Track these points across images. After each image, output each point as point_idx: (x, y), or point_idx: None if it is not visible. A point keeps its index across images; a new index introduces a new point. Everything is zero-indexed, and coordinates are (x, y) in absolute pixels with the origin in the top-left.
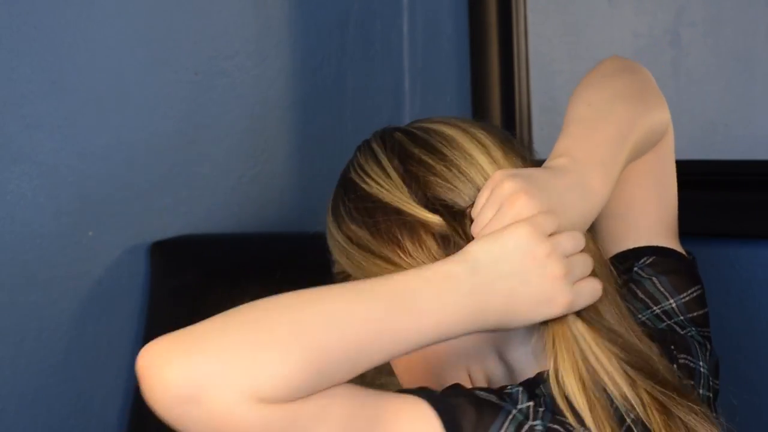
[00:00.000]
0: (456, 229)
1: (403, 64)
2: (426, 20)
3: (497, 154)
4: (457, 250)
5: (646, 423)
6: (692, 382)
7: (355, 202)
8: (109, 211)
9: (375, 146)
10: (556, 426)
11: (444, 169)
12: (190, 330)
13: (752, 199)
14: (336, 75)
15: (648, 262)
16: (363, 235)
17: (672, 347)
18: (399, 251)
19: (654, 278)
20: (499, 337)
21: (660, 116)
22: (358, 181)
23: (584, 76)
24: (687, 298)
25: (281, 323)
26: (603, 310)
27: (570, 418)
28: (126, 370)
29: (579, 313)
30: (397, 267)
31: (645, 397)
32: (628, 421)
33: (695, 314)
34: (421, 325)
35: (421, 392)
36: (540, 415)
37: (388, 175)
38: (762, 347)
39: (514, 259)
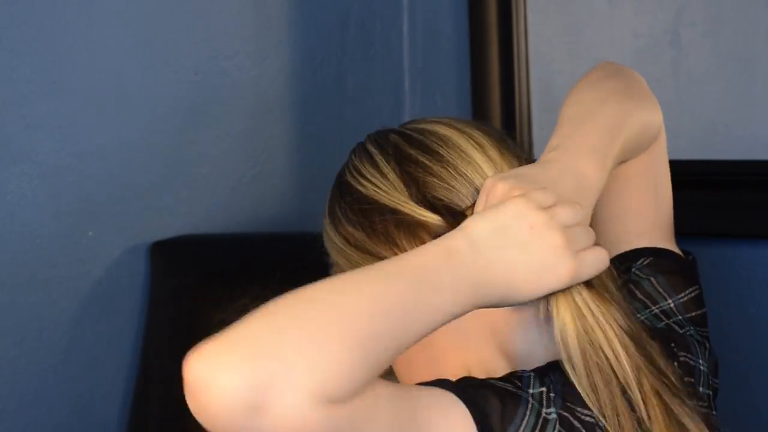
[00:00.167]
0: (453, 227)
1: (403, 64)
2: (426, 20)
3: (493, 153)
4: None
5: (642, 410)
6: (692, 380)
7: (350, 204)
8: (109, 211)
9: (370, 148)
10: (565, 414)
11: (441, 169)
12: (237, 332)
13: (752, 199)
14: (336, 75)
15: (646, 262)
16: (359, 236)
17: (672, 345)
18: (396, 250)
19: (652, 278)
20: (498, 330)
21: (652, 116)
22: (353, 183)
23: (578, 82)
24: (685, 298)
25: (331, 318)
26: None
27: (585, 392)
28: (126, 370)
29: (586, 284)
30: None
31: (645, 383)
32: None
33: (694, 314)
34: (444, 301)
35: (443, 383)
36: (552, 401)
37: (385, 176)
38: (762, 347)
39: (512, 230)
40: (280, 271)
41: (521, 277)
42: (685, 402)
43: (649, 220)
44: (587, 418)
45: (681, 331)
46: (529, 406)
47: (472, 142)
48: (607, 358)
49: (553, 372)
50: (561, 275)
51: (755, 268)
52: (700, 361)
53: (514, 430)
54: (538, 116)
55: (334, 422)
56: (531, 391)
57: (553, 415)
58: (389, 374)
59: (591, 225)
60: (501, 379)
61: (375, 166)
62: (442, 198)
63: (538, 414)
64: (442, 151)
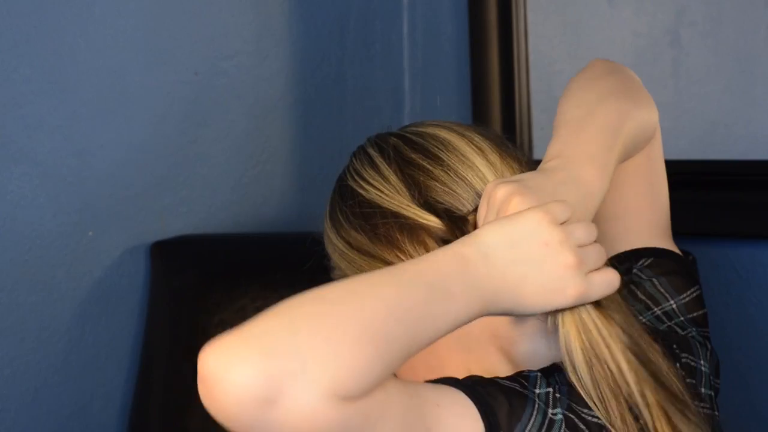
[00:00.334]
0: (457, 234)
1: (403, 64)
2: (426, 20)
3: (494, 157)
4: None
5: (648, 421)
6: (693, 381)
7: (352, 207)
8: (109, 211)
9: (371, 151)
10: (571, 415)
11: (442, 173)
12: (252, 328)
13: (752, 199)
14: (336, 75)
15: (646, 263)
16: (362, 239)
17: (674, 347)
18: (398, 253)
19: (654, 279)
20: (500, 333)
21: (649, 115)
22: (355, 187)
23: (571, 79)
24: (687, 299)
25: (348, 316)
26: (612, 308)
27: (591, 400)
28: (126, 370)
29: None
30: None
31: (649, 396)
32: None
33: (695, 314)
34: (455, 308)
35: (450, 381)
36: (558, 402)
37: (387, 180)
38: (762, 347)
39: (527, 245)
40: (280, 271)
41: (530, 291)
42: (688, 416)
43: (646, 218)
44: (593, 419)
45: (683, 333)
46: (536, 406)
47: (472, 146)
48: (612, 372)
49: (558, 373)
50: (569, 295)
51: (755, 268)
52: (702, 362)
53: (522, 428)
54: (538, 116)
55: (346, 419)
56: (537, 391)
57: (559, 416)
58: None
59: None
60: (508, 378)
61: (376, 169)
62: (443, 202)
63: (545, 414)
64: (442, 155)
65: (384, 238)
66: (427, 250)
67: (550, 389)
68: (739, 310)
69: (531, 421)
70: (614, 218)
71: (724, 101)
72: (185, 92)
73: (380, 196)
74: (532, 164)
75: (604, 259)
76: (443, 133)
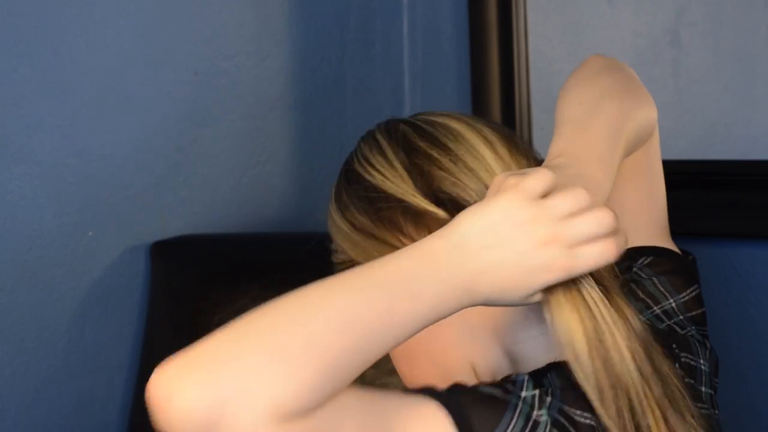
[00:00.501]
0: None
1: (403, 64)
2: (426, 20)
3: (502, 150)
4: None
5: (647, 417)
6: (692, 381)
7: (357, 191)
8: (109, 211)
9: (379, 137)
10: (560, 417)
11: (450, 163)
12: (197, 349)
13: (752, 199)
14: (336, 75)
15: (646, 262)
16: (365, 222)
17: (673, 346)
18: (401, 237)
19: (654, 278)
20: (502, 328)
21: (649, 113)
22: (361, 171)
23: (570, 76)
24: (686, 298)
25: (293, 333)
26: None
27: (589, 393)
28: (126, 370)
29: (598, 284)
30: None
31: (649, 393)
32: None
33: (694, 313)
34: (420, 307)
35: (427, 391)
36: (546, 404)
37: (393, 167)
38: (762, 347)
39: (500, 228)
40: (280, 271)
41: (509, 275)
42: (686, 419)
43: (644, 216)
44: (585, 421)
45: (682, 332)
46: (518, 410)
47: (482, 138)
48: (614, 363)
49: (553, 373)
50: (552, 270)
51: (755, 268)
52: (702, 361)
53: None
54: (538, 116)
55: None
56: (523, 394)
57: (544, 417)
58: (391, 376)
59: None
60: (492, 384)
61: (383, 155)
62: (449, 192)
63: (528, 417)
64: (451, 145)
65: (387, 221)
66: (427, 234)
67: (536, 391)
68: (739, 310)
69: (510, 426)
70: None
71: (724, 101)
72: (185, 92)
73: (385, 182)
74: (540, 160)
75: (603, 225)
76: (453, 124)
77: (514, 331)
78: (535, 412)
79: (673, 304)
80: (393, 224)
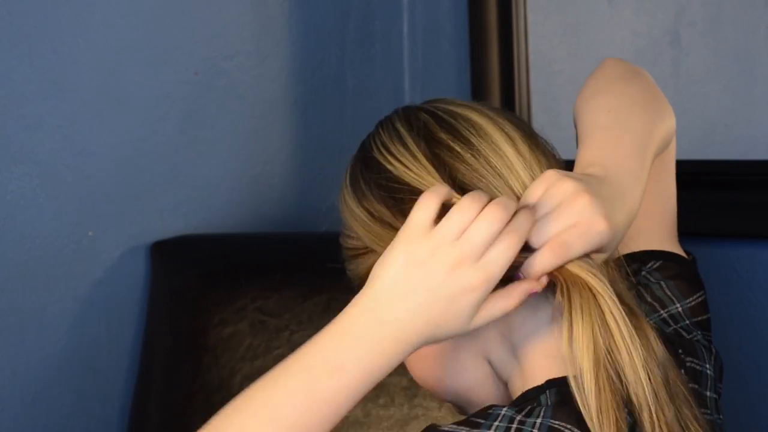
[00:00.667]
0: None
1: (403, 64)
2: (426, 20)
3: (524, 147)
4: None
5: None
6: (697, 386)
7: (377, 180)
8: (109, 211)
9: (399, 127)
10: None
11: (471, 158)
12: None
13: (752, 199)
14: (336, 75)
15: (655, 266)
16: (384, 212)
17: (680, 350)
18: None
19: (662, 282)
20: (506, 330)
21: (670, 122)
22: (381, 160)
23: (590, 80)
24: (693, 303)
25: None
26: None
27: (584, 412)
28: (126, 370)
29: (620, 298)
30: None
31: (661, 416)
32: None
33: (700, 318)
34: (349, 379)
35: None
36: (529, 425)
37: (416, 158)
38: (762, 347)
39: (407, 274)
40: (280, 271)
41: (434, 314)
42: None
43: (656, 220)
44: None
45: (688, 337)
46: None
47: (503, 134)
48: (625, 383)
49: (552, 390)
50: (473, 289)
51: (755, 268)
52: (707, 366)
53: None
54: (538, 116)
55: None
56: (495, 424)
57: (528, 427)
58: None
59: None
60: (462, 422)
61: (405, 146)
62: (472, 186)
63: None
64: (473, 140)
65: (407, 213)
66: None
67: (517, 416)
68: (739, 310)
69: None
70: None
71: (724, 101)
72: (185, 92)
73: (408, 174)
74: (560, 159)
75: (496, 221)
76: (475, 116)
77: (519, 335)
78: (515, 425)
79: (680, 309)
80: None
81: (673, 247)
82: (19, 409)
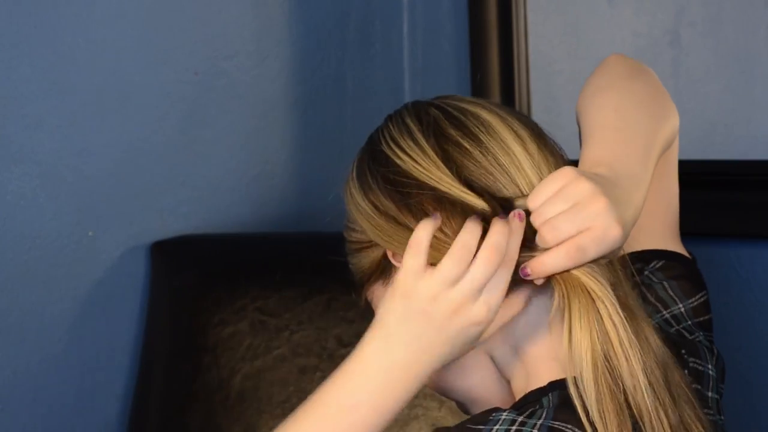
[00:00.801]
0: (496, 210)
1: (403, 64)
2: (426, 20)
3: (532, 147)
4: None
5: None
6: (699, 387)
7: (385, 174)
8: (109, 211)
9: (409, 121)
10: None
11: (480, 154)
12: None
13: (752, 199)
14: (336, 75)
15: (658, 266)
16: (391, 206)
17: (682, 351)
18: None
19: (665, 282)
20: (509, 329)
21: (675, 122)
22: (390, 154)
23: (594, 76)
24: (695, 303)
25: None
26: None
27: (587, 424)
28: (126, 370)
29: (621, 303)
30: None
31: (664, 420)
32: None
33: (702, 319)
34: (366, 416)
35: None
36: (537, 416)
37: (425, 153)
38: (762, 347)
39: (409, 321)
40: (280, 271)
41: (444, 348)
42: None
43: (659, 220)
44: None
45: (690, 338)
46: None
47: (512, 132)
48: (624, 389)
49: (555, 393)
50: (476, 324)
51: (755, 268)
52: (709, 366)
53: None
54: (538, 116)
55: None
56: (497, 427)
57: (527, 428)
58: None
59: None
60: (456, 427)
61: (414, 140)
62: (481, 183)
63: None
64: (482, 137)
65: (415, 209)
66: (459, 226)
67: (519, 418)
68: (739, 310)
69: None
70: None
71: (724, 101)
72: (185, 92)
73: (417, 168)
74: (567, 158)
75: (491, 265)
76: (484, 114)
77: (525, 337)
78: (515, 427)
79: (682, 309)
80: (421, 212)
81: (676, 246)
82: (19, 409)
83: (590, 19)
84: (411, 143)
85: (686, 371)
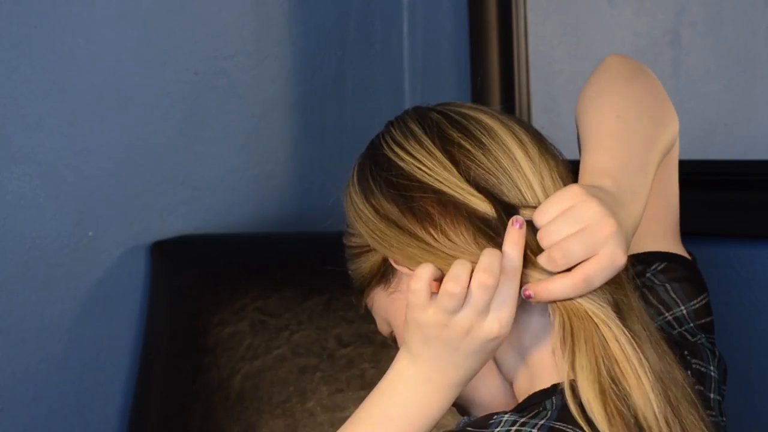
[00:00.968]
0: (500, 217)
1: (403, 64)
2: (426, 20)
3: (533, 151)
4: (499, 238)
5: None
6: (702, 388)
7: (387, 177)
8: (109, 211)
9: (412, 125)
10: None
11: (483, 157)
12: None
13: (752, 199)
14: (336, 75)
15: (660, 268)
16: (393, 210)
17: (685, 352)
18: (431, 229)
19: (667, 285)
20: (513, 330)
21: (674, 128)
22: (393, 157)
23: (594, 77)
24: (697, 306)
25: None
26: (628, 313)
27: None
28: (126, 370)
29: (617, 312)
30: (425, 244)
31: (672, 421)
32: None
33: (704, 321)
34: (403, 428)
35: None
36: (540, 417)
37: (432, 154)
38: (762, 347)
39: (428, 345)
40: (280, 271)
41: (470, 363)
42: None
43: (660, 222)
44: None
45: (693, 340)
46: None
47: (513, 136)
48: (632, 408)
49: (558, 395)
50: (493, 338)
51: (755, 268)
52: (711, 368)
53: None
54: (538, 116)
55: None
56: (497, 430)
57: (527, 428)
58: None
59: None
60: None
61: (419, 143)
62: (485, 184)
63: None
64: (484, 140)
65: (419, 212)
66: (462, 228)
67: (520, 419)
68: (739, 310)
69: None
70: None
71: (724, 101)
72: (185, 92)
73: (421, 170)
74: (568, 163)
75: (488, 288)
76: (486, 119)
77: (528, 340)
78: (515, 427)
79: (684, 312)
80: (425, 216)
81: (676, 247)
82: (19, 409)
83: (590, 19)
84: (416, 145)
85: (689, 372)
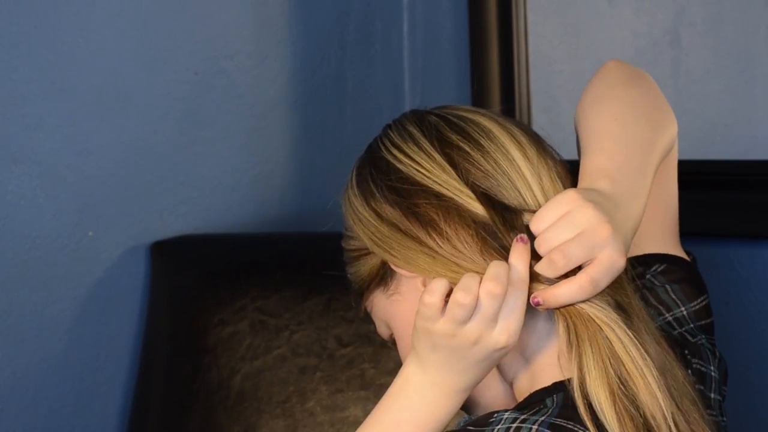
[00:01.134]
0: (498, 222)
1: (403, 64)
2: (426, 20)
3: (531, 153)
4: (498, 244)
5: None
6: (702, 387)
7: (388, 181)
8: (109, 211)
9: (411, 128)
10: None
11: (482, 159)
12: None
13: (752, 199)
14: (336, 75)
15: (660, 270)
16: (394, 214)
17: (686, 352)
18: (432, 233)
19: (666, 286)
20: (520, 341)
21: (673, 132)
22: (392, 161)
23: (592, 83)
24: (697, 306)
25: None
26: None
27: (590, 427)
28: (126, 370)
29: (620, 312)
30: (428, 248)
31: (680, 420)
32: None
33: (704, 322)
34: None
35: None
36: (540, 414)
37: (431, 157)
38: (762, 347)
39: (437, 353)
40: (280, 271)
41: (474, 369)
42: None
43: (659, 224)
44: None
45: (693, 340)
46: None
47: (512, 138)
48: (641, 408)
49: (560, 394)
50: (501, 347)
51: (755, 268)
52: (712, 368)
53: None
54: (538, 116)
55: None
56: (497, 427)
57: (528, 425)
58: (389, 376)
59: None
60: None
61: (418, 145)
62: (482, 187)
63: None
64: (483, 143)
65: (421, 216)
66: (463, 232)
67: (512, 425)
68: (739, 310)
69: None
70: None
71: (724, 101)
72: (185, 92)
73: (421, 173)
74: (566, 164)
75: (496, 297)
76: (484, 121)
77: (530, 339)
78: (515, 424)
79: (684, 313)
80: (427, 220)
81: (676, 249)
82: (19, 409)
83: (590, 19)
84: (415, 148)
85: (689, 371)
